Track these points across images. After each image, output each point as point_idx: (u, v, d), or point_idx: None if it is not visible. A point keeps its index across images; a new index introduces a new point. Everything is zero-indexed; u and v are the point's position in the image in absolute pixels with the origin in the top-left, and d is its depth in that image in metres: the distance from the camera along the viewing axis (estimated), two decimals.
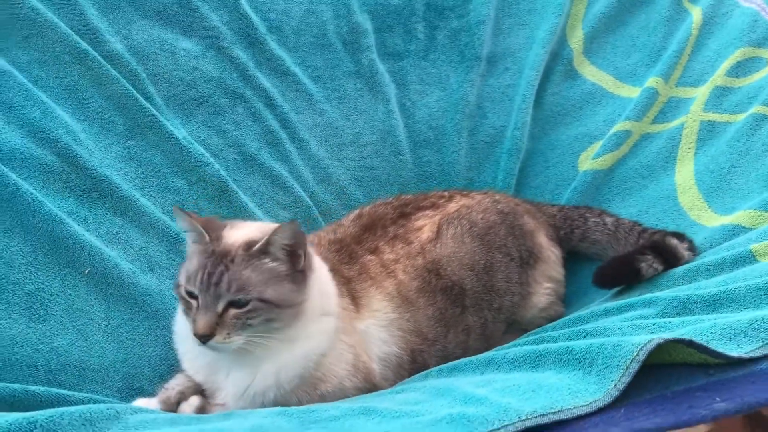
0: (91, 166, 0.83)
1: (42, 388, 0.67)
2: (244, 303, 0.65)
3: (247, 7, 1.05)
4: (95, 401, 0.65)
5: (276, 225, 0.68)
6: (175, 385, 0.69)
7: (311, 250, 0.70)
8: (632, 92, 1.06)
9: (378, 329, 0.74)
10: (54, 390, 0.68)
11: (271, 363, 0.67)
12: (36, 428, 0.51)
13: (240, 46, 1.02)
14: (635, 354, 0.50)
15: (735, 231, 0.82)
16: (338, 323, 0.70)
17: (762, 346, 0.53)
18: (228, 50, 1.00)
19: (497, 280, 0.80)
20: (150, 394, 0.71)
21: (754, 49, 1.00)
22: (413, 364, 0.74)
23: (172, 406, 0.66)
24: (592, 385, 0.52)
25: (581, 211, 0.90)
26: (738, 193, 0.90)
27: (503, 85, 1.09)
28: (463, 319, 0.78)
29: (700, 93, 1.01)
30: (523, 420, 0.49)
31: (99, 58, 0.91)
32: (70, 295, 0.77)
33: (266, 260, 0.66)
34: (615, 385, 0.50)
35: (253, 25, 1.03)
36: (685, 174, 0.94)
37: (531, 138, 1.07)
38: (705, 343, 0.53)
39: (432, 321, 0.76)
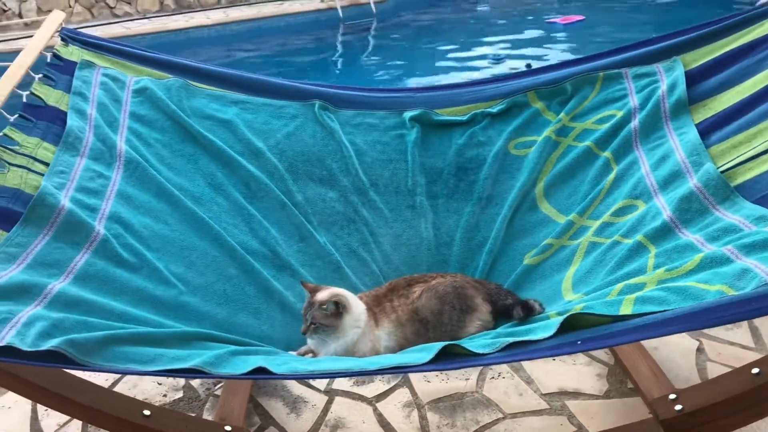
0: (283, 255, 1.64)
1: (254, 341, 1.43)
2: (314, 323, 1.42)
3: (361, 173, 1.80)
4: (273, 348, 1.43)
5: (327, 296, 1.44)
6: (304, 347, 1.53)
7: (351, 302, 1.46)
8: (562, 219, 1.68)
9: (385, 335, 1.51)
10: (256, 342, 1.43)
11: (333, 344, 1.44)
12: (251, 351, 1.29)
13: (355, 194, 1.78)
14: (440, 348, 1.15)
15: (570, 307, 1.30)
16: (365, 330, 1.46)
17: (492, 351, 1.12)
18: (349, 196, 1.78)
19: (444, 318, 1.49)
20: (295, 350, 1.54)
21: (632, 200, 1.58)
22: (400, 350, 1.45)
23: (302, 355, 1.50)
24: (425, 356, 1.14)
25: (505, 290, 1.58)
26: (588, 285, 1.47)
27: (492, 213, 1.77)
28: (426, 334, 1.48)
29: (595, 224, 1.60)
30: (385, 368, 1.12)
31: (291, 205, 1.71)
32: (269, 311, 1.55)
33: (322, 309, 1.42)
34: (430, 358, 1.13)
35: (362, 183, 1.80)
36: (570, 272, 1.55)
37: (502, 244, 1.72)
38: (470, 348, 1.13)
39: (411, 334, 1.50)
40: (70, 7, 8.22)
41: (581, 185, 1.71)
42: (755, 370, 1.44)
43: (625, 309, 1.20)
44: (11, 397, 2.03)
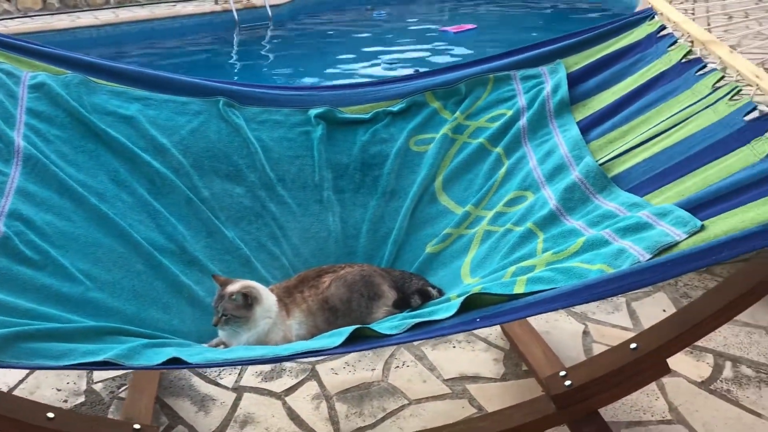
0: (191, 250, 1.65)
1: (165, 335, 1.44)
2: (225, 314, 1.45)
3: (268, 169, 1.83)
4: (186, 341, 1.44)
5: (238, 287, 1.48)
6: (215, 339, 1.55)
7: (261, 293, 1.50)
8: (459, 211, 1.80)
9: (296, 324, 1.55)
10: (168, 336, 1.44)
11: (245, 335, 1.47)
12: (164, 343, 1.32)
13: (262, 190, 1.81)
14: (351, 332, 1.22)
15: (469, 289, 1.38)
16: (276, 320, 1.50)
17: (399, 332, 1.21)
18: (257, 192, 1.81)
19: (353, 305, 1.55)
20: (206, 343, 1.56)
21: (521, 191, 1.72)
22: (310, 338, 1.53)
23: (213, 347, 1.54)
24: (337, 340, 1.22)
25: (408, 275, 1.67)
26: (485, 270, 1.57)
27: (396, 206, 1.85)
28: (335, 321, 1.53)
29: (489, 214, 1.72)
30: (298, 353, 1.23)
31: (197, 201, 1.72)
32: (179, 306, 1.56)
33: (233, 300, 1.45)
34: (342, 341, 1.21)
35: (270, 178, 1.83)
36: (468, 258, 1.66)
37: (405, 234, 1.81)
38: (379, 331, 1.22)
39: (321, 322, 1.56)
40: None
41: (476, 179, 1.83)
42: (633, 345, 1.61)
43: (519, 288, 1.32)
44: None
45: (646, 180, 1.54)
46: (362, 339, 1.27)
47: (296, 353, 1.26)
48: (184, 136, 1.83)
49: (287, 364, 2.16)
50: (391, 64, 6.60)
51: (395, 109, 1.96)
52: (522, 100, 1.90)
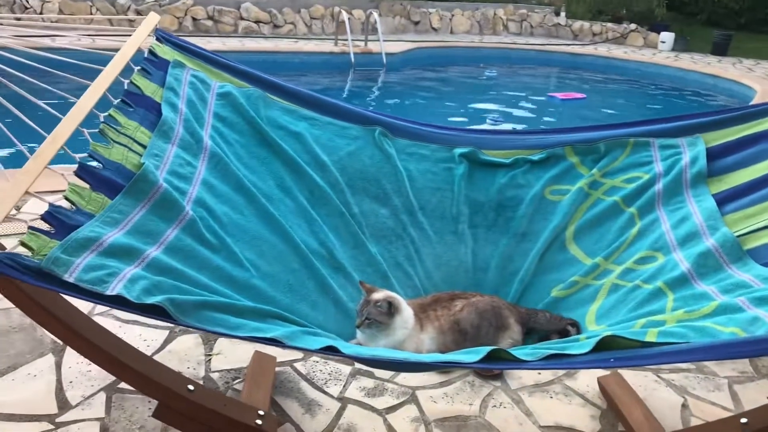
0: (338, 258, 1.80)
1: (312, 326, 1.57)
2: (369, 318, 1.59)
3: (411, 196, 1.98)
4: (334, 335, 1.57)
5: (383, 296, 1.63)
6: (354, 340, 1.68)
7: (402, 305, 1.64)
8: (589, 261, 1.90)
9: (428, 339, 1.68)
10: (315, 327, 1.58)
11: (383, 341, 1.62)
12: (318, 333, 1.50)
13: (404, 214, 1.96)
14: (489, 351, 1.28)
15: (598, 333, 1.43)
16: (412, 332, 1.63)
17: (534, 359, 1.25)
18: (400, 215, 1.96)
19: (482, 332, 1.67)
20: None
21: (652, 251, 1.79)
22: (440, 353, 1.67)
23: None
24: (475, 356, 1.27)
25: (533, 311, 1.79)
26: (610, 320, 1.66)
27: (526, 248, 1.95)
28: (464, 344, 1.66)
29: (618, 269, 1.79)
30: (439, 361, 1.36)
31: (348, 215, 1.88)
32: (325, 305, 1.70)
33: (378, 306, 1.59)
34: (480, 358, 1.27)
35: (412, 205, 1.98)
36: (594, 307, 1.75)
37: (532, 276, 1.91)
38: (515, 355, 1.28)
39: (450, 342, 1.68)
40: (91, 14, 8.40)
41: (607, 233, 1.91)
42: (743, 420, 1.63)
43: (650, 338, 1.39)
44: (37, 365, 2.12)
45: None
46: (497, 360, 1.34)
47: (437, 362, 1.36)
48: (342, 156, 2.01)
49: (389, 385, 2.26)
50: (495, 120, 6.74)
51: (535, 158, 2.07)
52: (659, 167, 1.98)
